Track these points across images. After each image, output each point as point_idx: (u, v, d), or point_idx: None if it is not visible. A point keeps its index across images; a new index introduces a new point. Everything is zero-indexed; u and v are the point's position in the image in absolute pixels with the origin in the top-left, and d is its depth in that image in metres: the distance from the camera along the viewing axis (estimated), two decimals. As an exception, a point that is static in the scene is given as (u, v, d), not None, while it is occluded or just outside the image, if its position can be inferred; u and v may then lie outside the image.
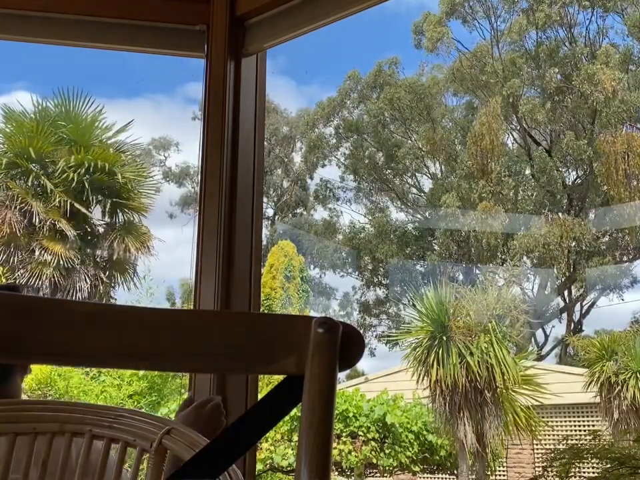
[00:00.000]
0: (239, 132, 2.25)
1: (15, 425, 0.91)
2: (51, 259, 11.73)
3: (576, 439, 8.08)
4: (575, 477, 7.66)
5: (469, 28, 18.54)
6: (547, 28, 17.40)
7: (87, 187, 12.29)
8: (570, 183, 17.66)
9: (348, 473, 10.94)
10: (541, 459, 10.58)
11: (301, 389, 0.61)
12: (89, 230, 12.78)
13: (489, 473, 10.86)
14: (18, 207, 11.76)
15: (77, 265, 12.11)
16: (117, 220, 12.88)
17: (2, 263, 11.56)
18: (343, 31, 19.42)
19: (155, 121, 21.87)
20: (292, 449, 9.65)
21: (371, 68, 19.05)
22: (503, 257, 17.06)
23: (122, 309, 0.67)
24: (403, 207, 19.53)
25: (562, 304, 17.70)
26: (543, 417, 11.30)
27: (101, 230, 12.99)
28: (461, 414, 9.70)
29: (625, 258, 17.24)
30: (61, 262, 11.80)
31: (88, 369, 9.83)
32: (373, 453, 10.09)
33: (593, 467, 8.06)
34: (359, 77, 19.35)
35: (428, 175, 19.44)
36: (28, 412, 0.93)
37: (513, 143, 18.22)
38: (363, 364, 16.42)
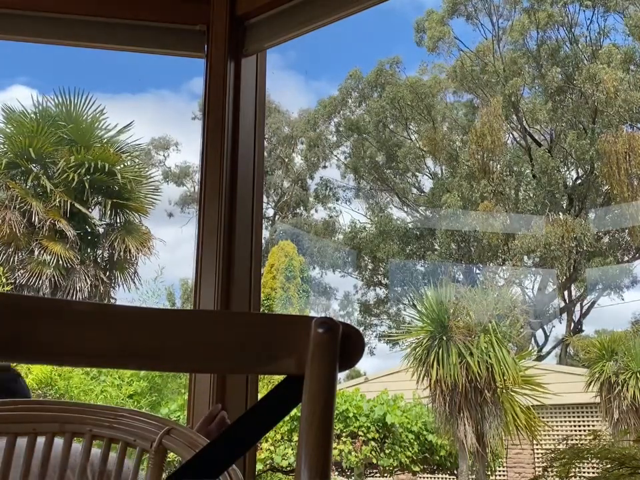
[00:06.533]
0: (239, 132, 2.25)
1: (15, 424, 0.90)
2: (51, 259, 11.72)
3: (576, 439, 8.08)
4: (575, 477, 7.65)
5: (470, 26, 18.57)
6: (549, 27, 17.40)
7: (87, 187, 12.28)
8: (571, 183, 17.65)
9: (348, 473, 10.94)
10: (541, 459, 10.59)
11: (301, 389, 0.61)
12: (89, 230, 12.77)
13: (489, 473, 10.86)
14: (18, 207, 11.75)
15: (77, 265, 12.10)
16: (117, 220, 12.88)
17: (2, 262, 11.55)
18: (346, 28, 19.41)
19: (158, 118, 21.83)
20: (292, 449, 9.64)
21: (373, 67, 19.06)
22: (504, 256, 17.04)
23: (122, 309, 0.67)
24: (403, 206, 19.53)
25: (562, 304, 17.69)
26: (543, 417, 11.30)
27: (101, 230, 12.98)
28: (461, 414, 9.70)
29: (625, 258, 17.24)
30: (61, 262, 11.79)
31: (88, 369, 9.81)
32: (372, 452, 10.09)
33: (593, 467, 8.07)
34: (360, 76, 19.34)
35: (429, 174, 19.44)
36: (28, 412, 0.93)
37: (513, 143, 18.21)
38: (363, 364, 16.42)
